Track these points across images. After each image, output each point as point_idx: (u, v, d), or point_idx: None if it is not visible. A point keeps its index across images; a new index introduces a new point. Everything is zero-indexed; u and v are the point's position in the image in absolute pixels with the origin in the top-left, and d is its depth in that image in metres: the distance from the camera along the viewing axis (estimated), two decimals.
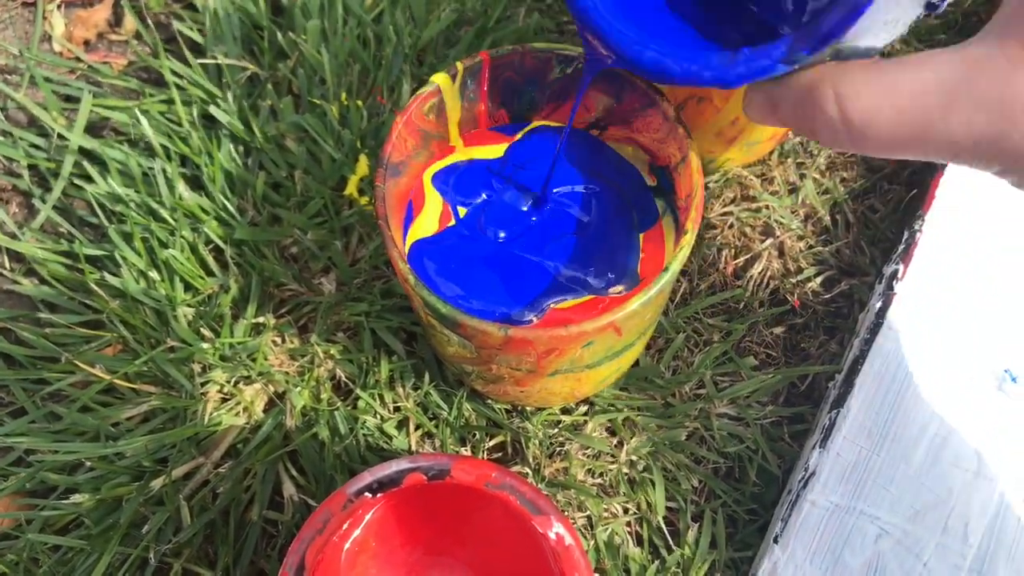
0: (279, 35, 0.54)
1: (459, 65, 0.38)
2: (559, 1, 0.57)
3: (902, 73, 0.26)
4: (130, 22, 0.58)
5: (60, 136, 0.53)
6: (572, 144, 0.41)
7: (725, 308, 0.50)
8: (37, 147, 0.53)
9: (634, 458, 0.46)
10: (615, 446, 0.46)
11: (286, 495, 0.44)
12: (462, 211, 0.40)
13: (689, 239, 0.34)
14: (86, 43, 0.59)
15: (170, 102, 0.53)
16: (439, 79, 0.38)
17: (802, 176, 0.53)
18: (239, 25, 0.54)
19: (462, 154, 0.41)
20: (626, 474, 0.45)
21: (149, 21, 0.57)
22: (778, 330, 0.49)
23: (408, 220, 0.40)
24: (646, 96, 0.37)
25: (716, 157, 0.50)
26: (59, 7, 0.58)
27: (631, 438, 0.46)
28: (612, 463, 0.45)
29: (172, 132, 0.51)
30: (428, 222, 0.40)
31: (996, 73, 0.25)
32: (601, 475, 0.46)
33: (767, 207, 0.51)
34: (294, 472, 0.45)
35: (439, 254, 0.39)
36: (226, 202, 0.49)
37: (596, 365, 0.39)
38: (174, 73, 0.53)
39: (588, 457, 0.46)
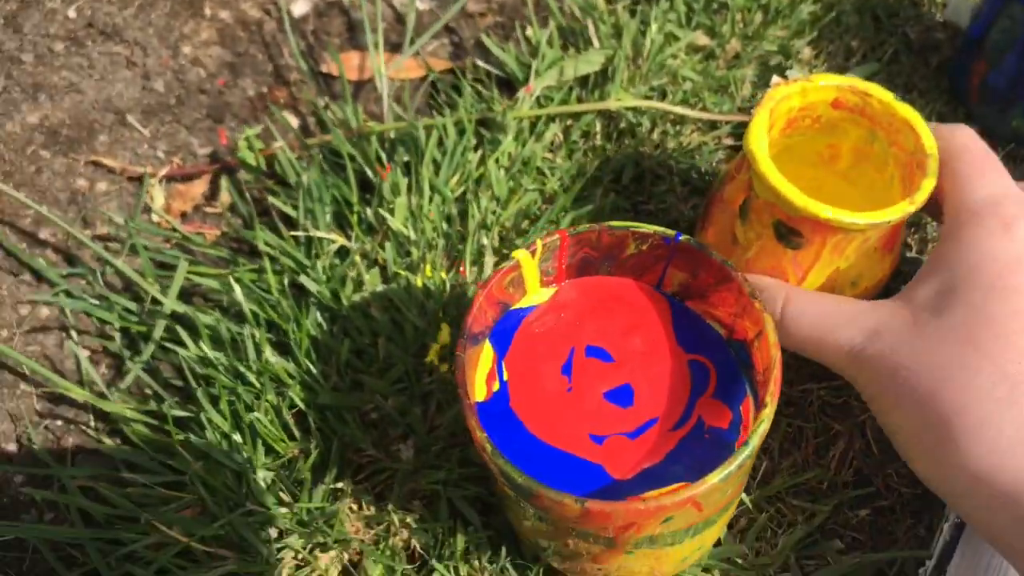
0: (368, 211, 0.57)
1: (539, 242, 0.40)
2: (634, 182, 0.59)
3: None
4: (225, 196, 0.62)
5: (154, 300, 0.55)
6: (659, 310, 0.42)
7: (808, 488, 0.49)
8: (129, 311, 0.56)
9: None
10: None
11: None
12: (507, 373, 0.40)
13: (768, 412, 0.34)
14: (183, 215, 0.62)
15: (261, 271, 0.56)
16: (519, 255, 0.39)
17: None
18: (330, 201, 0.57)
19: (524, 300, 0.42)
20: None
21: (247, 195, 0.60)
22: (863, 512, 0.48)
23: None
24: (721, 271, 0.39)
25: None
26: (160, 181, 0.62)
27: None
28: None
29: (262, 299, 0.54)
30: (478, 381, 0.40)
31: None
32: None
33: (847, 384, 0.51)
34: None
35: (497, 424, 0.39)
36: (311, 367, 0.50)
37: (676, 542, 0.38)
38: (267, 244, 0.56)
39: None
